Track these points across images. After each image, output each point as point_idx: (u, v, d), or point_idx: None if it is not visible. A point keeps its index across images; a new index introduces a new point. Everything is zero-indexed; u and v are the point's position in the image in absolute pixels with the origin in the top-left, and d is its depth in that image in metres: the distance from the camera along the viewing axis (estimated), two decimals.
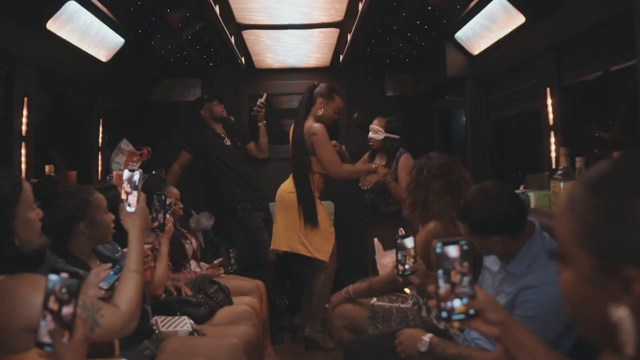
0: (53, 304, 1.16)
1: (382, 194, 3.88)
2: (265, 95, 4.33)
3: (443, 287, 1.18)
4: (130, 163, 4.03)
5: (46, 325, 1.15)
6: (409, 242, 2.06)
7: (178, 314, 2.56)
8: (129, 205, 1.76)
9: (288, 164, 3.92)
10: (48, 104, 3.37)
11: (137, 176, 1.78)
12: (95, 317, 1.49)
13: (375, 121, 3.95)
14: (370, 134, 3.89)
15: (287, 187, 3.73)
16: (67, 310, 1.16)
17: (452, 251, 1.18)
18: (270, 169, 4.58)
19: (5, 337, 1.31)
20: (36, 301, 1.22)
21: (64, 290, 1.16)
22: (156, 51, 3.90)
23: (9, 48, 2.60)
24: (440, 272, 1.18)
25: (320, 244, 3.64)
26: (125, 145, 4.03)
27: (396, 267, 2.09)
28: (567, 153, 2.51)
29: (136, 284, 1.65)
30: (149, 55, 4.00)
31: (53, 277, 1.17)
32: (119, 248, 2.39)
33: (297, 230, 3.63)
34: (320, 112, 3.66)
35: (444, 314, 1.18)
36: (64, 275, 1.17)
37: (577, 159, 2.44)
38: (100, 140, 3.77)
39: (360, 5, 2.89)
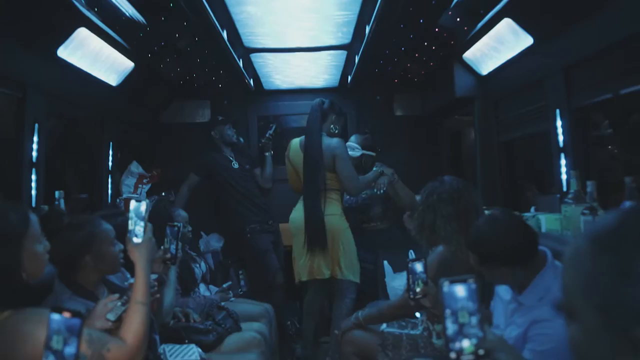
0: (56, 344, 1.16)
1: (364, 210, 3.91)
2: (274, 127, 4.33)
3: (451, 327, 1.15)
4: (140, 185, 4.06)
5: None
6: (420, 266, 2.03)
7: (186, 341, 2.54)
8: (136, 236, 1.76)
9: (285, 186, 3.92)
10: (59, 128, 3.41)
11: (143, 207, 1.78)
12: (102, 351, 1.48)
13: (353, 138, 3.95)
14: (349, 152, 3.74)
15: (329, 210, 3.50)
16: (69, 350, 1.16)
17: (460, 290, 1.17)
18: (279, 190, 4.57)
19: None
20: (41, 338, 1.22)
21: (66, 330, 1.16)
22: (166, 74, 3.94)
23: (20, 75, 2.63)
24: (447, 311, 1.16)
25: (352, 265, 3.50)
26: (135, 167, 4.06)
27: (408, 290, 2.06)
28: (578, 176, 2.48)
29: (142, 316, 1.64)
30: (158, 78, 4.03)
31: (55, 317, 1.17)
32: (129, 276, 2.38)
33: (332, 255, 3.47)
34: (333, 128, 3.64)
35: (453, 355, 1.16)
36: (66, 314, 1.17)
37: (589, 182, 2.41)
38: (110, 163, 3.79)
39: (368, 29, 2.90)
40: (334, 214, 3.49)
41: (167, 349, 2.31)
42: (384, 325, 2.66)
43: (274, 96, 4.80)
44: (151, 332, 2.06)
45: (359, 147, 3.90)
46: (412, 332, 2.62)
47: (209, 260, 4.39)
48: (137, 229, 1.76)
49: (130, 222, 1.78)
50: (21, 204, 2.49)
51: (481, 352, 1.16)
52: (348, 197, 3.94)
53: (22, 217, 1.49)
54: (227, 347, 2.66)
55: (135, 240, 1.75)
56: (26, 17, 2.45)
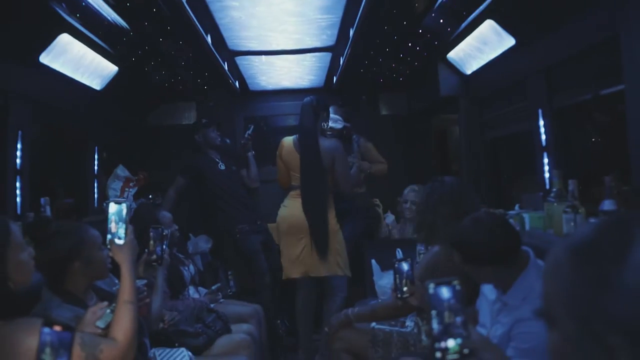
0: (47, 357, 1.17)
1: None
2: (252, 127, 4.31)
3: (437, 327, 1.19)
4: (127, 189, 4.04)
5: None
6: (406, 265, 2.06)
7: (177, 344, 2.55)
8: (119, 238, 1.77)
9: (272, 186, 3.96)
10: (44, 134, 3.38)
11: (124, 209, 1.79)
12: (95, 352, 1.51)
13: (331, 110, 3.90)
14: (331, 124, 3.80)
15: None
16: None
17: (445, 292, 1.20)
18: (266, 190, 4.58)
19: None
20: (33, 347, 1.22)
21: (57, 343, 1.17)
22: (150, 77, 3.93)
23: (2, 83, 2.61)
24: (433, 312, 1.19)
25: (346, 262, 3.60)
26: (122, 171, 4.04)
27: (394, 290, 2.09)
28: (560, 175, 2.53)
29: (131, 315, 1.68)
30: (143, 81, 4.02)
31: (46, 330, 1.18)
32: (117, 281, 2.38)
33: (335, 252, 3.54)
34: (324, 125, 3.63)
35: (439, 354, 1.19)
36: (57, 328, 1.18)
37: (570, 181, 2.46)
38: (96, 167, 3.78)
39: (352, 31, 2.92)
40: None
41: (157, 352, 2.31)
42: (374, 323, 2.68)
43: (260, 97, 4.81)
44: (142, 336, 2.07)
45: (341, 119, 3.92)
46: (402, 329, 2.65)
47: (197, 261, 4.39)
48: (120, 231, 1.77)
49: (112, 224, 1.79)
50: (0, 214, 2.48)
51: (466, 351, 1.19)
52: None
53: (2, 227, 1.49)
54: (217, 349, 2.66)
55: (118, 241, 1.77)
56: (7, 25, 2.43)
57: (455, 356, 1.19)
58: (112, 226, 1.78)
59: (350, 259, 3.66)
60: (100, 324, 1.72)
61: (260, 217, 4.19)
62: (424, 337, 2.54)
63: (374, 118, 4.85)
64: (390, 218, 4.14)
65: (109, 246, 1.80)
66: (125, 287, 1.73)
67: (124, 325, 1.65)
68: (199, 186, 4.20)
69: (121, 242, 1.77)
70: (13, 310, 1.47)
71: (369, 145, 4.15)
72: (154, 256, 2.34)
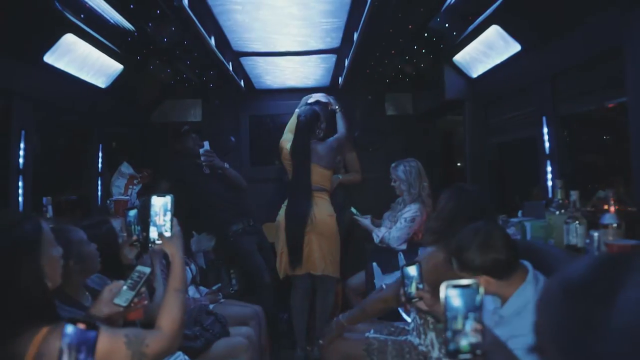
0: (69, 357, 1.16)
1: None
2: (206, 143, 4.04)
3: (451, 328, 1.19)
4: (131, 186, 4.05)
5: None
6: (415, 270, 2.04)
7: None
8: (166, 230, 1.81)
9: (278, 185, 4.10)
10: (50, 133, 3.40)
11: (169, 201, 1.83)
12: (141, 349, 1.50)
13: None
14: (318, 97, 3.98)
15: (326, 210, 3.70)
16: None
17: (461, 294, 1.19)
18: (264, 190, 4.57)
19: None
20: (56, 346, 1.22)
21: (80, 342, 1.16)
22: (156, 75, 3.93)
23: (6, 83, 2.62)
24: (448, 314, 1.19)
25: (337, 264, 3.73)
26: (126, 168, 4.04)
27: (403, 295, 2.05)
28: (563, 185, 2.50)
29: (180, 302, 1.71)
30: (148, 79, 4.02)
31: (70, 329, 1.16)
32: (109, 281, 2.39)
33: (329, 252, 3.67)
34: (319, 133, 3.74)
35: (452, 355, 1.19)
36: (81, 326, 1.17)
37: (572, 192, 2.43)
38: (100, 165, 3.80)
39: (356, 35, 2.89)
40: (331, 214, 3.70)
41: None
42: (371, 331, 2.67)
43: (266, 96, 4.80)
44: None
45: (332, 100, 4.01)
46: (398, 338, 2.64)
47: (200, 259, 4.40)
48: (167, 224, 1.81)
49: (157, 217, 1.82)
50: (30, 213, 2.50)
51: (479, 352, 1.19)
52: None
53: (35, 224, 1.48)
54: (214, 352, 2.67)
55: (166, 234, 1.81)
56: (11, 25, 2.44)
57: (468, 356, 1.19)
58: (157, 219, 1.82)
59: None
60: (120, 301, 1.72)
61: (253, 216, 4.15)
62: (421, 339, 2.52)
63: (380, 118, 4.83)
64: (366, 221, 4.02)
65: (158, 241, 1.81)
66: (176, 276, 1.76)
67: (172, 313, 1.66)
68: (184, 190, 4.10)
69: (169, 234, 1.81)
70: (54, 312, 1.44)
71: (353, 155, 4.31)
72: (134, 237, 2.34)
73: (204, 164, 3.94)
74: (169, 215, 1.82)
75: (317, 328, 3.79)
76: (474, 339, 1.18)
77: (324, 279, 3.74)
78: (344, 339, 2.64)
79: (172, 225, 1.82)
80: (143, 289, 1.78)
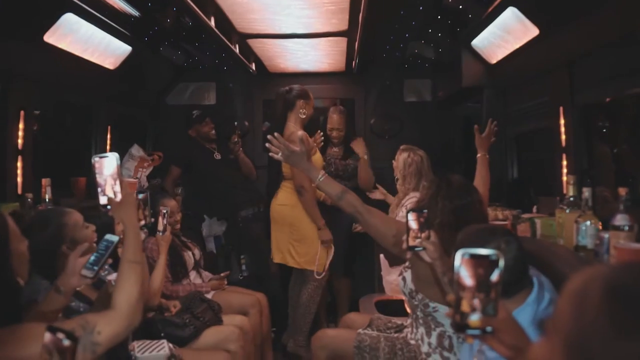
0: None
1: None
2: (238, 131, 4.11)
3: (462, 299, 1.06)
4: (141, 169, 4.04)
5: None
6: (421, 216, 1.89)
7: (162, 334, 2.53)
8: (115, 194, 1.58)
9: None
10: (54, 113, 3.40)
11: (113, 162, 1.59)
12: (92, 338, 1.36)
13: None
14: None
15: (280, 199, 3.59)
16: None
17: (478, 262, 1.06)
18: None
19: None
20: (34, 354, 1.17)
21: (59, 351, 1.12)
22: (166, 57, 3.88)
23: (5, 62, 2.61)
24: (460, 284, 1.06)
25: (308, 255, 3.49)
26: (136, 151, 4.03)
27: (405, 241, 1.90)
28: (575, 182, 2.32)
29: (137, 276, 1.49)
30: (159, 60, 3.97)
31: (49, 337, 1.11)
32: (107, 266, 2.36)
33: (286, 242, 3.53)
34: (302, 114, 3.52)
35: (459, 325, 1.07)
36: (60, 336, 1.12)
37: (584, 189, 2.25)
38: (108, 147, 3.79)
39: (360, 17, 2.75)
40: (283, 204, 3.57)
41: (136, 344, 2.30)
42: (361, 329, 2.56)
43: (280, 80, 4.66)
44: None
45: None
46: (393, 334, 2.54)
47: (210, 244, 4.38)
48: (116, 187, 1.58)
49: (106, 184, 1.58)
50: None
51: (489, 329, 1.07)
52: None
53: (0, 220, 1.40)
54: (203, 341, 2.61)
55: (117, 198, 1.58)
56: (10, 4, 2.40)
57: (476, 332, 1.07)
58: (108, 186, 1.58)
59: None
60: (88, 273, 1.60)
61: (264, 202, 4.07)
62: (417, 335, 2.39)
63: (397, 104, 4.68)
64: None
65: (109, 206, 1.60)
66: (130, 246, 1.53)
67: (128, 288, 1.46)
68: (193, 175, 4.10)
69: (119, 198, 1.58)
70: (20, 312, 1.37)
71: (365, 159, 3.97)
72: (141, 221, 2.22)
73: (229, 146, 4.02)
74: (117, 179, 1.57)
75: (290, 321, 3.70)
76: (485, 313, 1.05)
77: (298, 270, 3.60)
78: (334, 335, 2.54)
79: (121, 189, 1.58)
80: (110, 260, 1.64)
